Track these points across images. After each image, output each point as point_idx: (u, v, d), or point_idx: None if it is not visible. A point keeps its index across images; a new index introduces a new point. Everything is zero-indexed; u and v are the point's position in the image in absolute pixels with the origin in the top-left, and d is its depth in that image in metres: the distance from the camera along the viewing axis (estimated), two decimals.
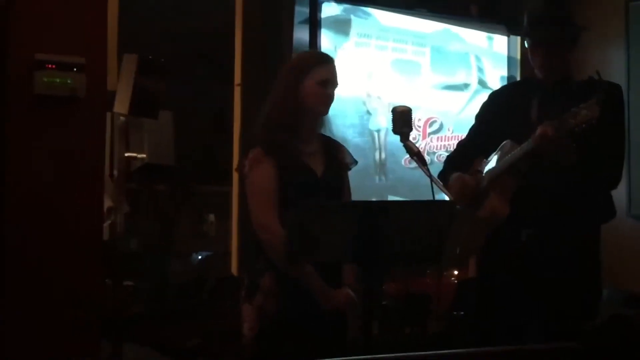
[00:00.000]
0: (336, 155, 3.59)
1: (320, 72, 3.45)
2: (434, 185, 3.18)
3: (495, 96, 3.93)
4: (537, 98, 3.60)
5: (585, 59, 6.19)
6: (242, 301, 3.47)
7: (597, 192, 3.57)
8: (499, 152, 3.64)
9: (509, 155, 3.51)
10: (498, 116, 3.74)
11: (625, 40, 6.02)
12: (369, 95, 5.82)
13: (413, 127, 3.35)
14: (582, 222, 3.52)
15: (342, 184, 3.59)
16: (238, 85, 5.55)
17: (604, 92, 3.25)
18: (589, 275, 3.57)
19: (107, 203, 4.17)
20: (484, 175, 3.65)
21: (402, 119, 3.28)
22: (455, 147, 4.07)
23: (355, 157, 3.66)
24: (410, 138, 3.29)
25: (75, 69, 3.93)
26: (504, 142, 3.58)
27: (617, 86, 3.57)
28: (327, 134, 3.62)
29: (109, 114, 4.20)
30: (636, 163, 5.91)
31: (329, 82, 3.46)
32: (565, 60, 3.63)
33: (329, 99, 3.48)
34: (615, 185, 3.58)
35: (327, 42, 5.59)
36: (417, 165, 3.26)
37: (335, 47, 5.59)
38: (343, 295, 3.44)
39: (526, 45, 3.69)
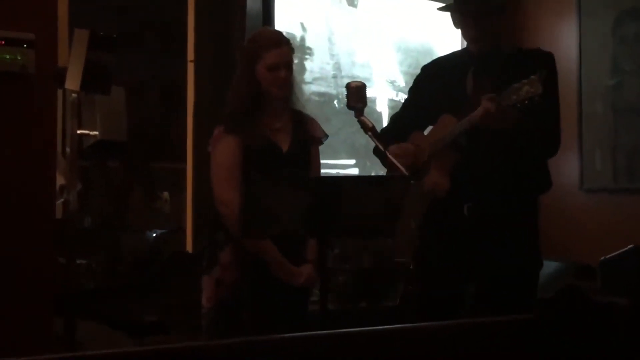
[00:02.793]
0: (305, 130, 3.62)
1: (270, 57, 3.50)
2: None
3: (428, 69, 3.89)
4: (471, 70, 3.61)
5: (537, 30, 6.25)
6: (203, 272, 3.54)
7: (536, 162, 3.60)
8: (437, 126, 3.65)
9: (449, 130, 3.52)
10: (433, 89, 3.74)
11: (577, 11, 6.05)
12: None
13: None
14: (520, 194, 3.55)
15: (309, 158, 3.63)
16: (191, 61, 5.51)
17: (546, 67, 3.27)
18: (528, 246, 3.61)
19: (60, 181, 4.13)
20: (423, 149, 3.67)
21: (356, 95, 3.28)
22: (389, 120, 4.05)
23: None
24: None
25: (25, 45, 3.87)
26: (442, 116, 3.60)
27: (550, 55, 3.58)
28: (300, 107, 3.68)
29: (60, 91, 4.15)
30: (587, 137, 5.97)
31: (280, 65, 3.52)
32: (495, 31, 3.63)
33: (282, 82, 3.53)
34: (553, 153, 3.61)
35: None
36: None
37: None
38: (304, 271, 3.47)
39: (456, 22, 3.69)
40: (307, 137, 3.63)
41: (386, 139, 3.47)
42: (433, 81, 3.78)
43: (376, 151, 3.66)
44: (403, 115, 3.90)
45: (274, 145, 3.51)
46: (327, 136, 3.71)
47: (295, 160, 3.54)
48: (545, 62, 3.42)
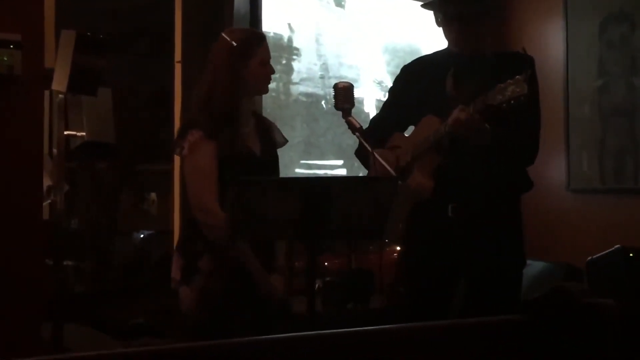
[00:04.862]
0: (269, 134, 3.59)
1: (263, 53, 3.47)
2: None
3: (409, 69, 3.87)
4: (453, 72, 3.60)
5: (524, 32, 6.26)
6: (179, 283, 3.42)
7: (515, 166, 3.61)
8: (420, 127, 3.65)
9: (433, 131, 3.52)
10: (415, 90, 3.72)
11: (564, 14, 6.07)
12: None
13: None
14: (503, 194, 3.56)
15: (277, 163, 3.60)
16: (178, 62, 5.50)
17: (531, 68, 3.27)
18: (512, 245, 3.62)
19: (47, 182, 4.12)
20: (405, 150, 3.66)
21: (344, 95, 3.28)
22: (370, 122, 4.01)
23: None
24: None
25: (11, 46, 3.86)
26: (426, 117, 3.59)
27: (530, 58, 3.55)
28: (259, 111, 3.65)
29: (47, 92, 4.14)
30: (574, 138, 5.99)
31: (268, 60, 3.50)
32: (480, 34, 3.62)
33: (270, 78, 3.51)
34: (529, 163, 3.62)
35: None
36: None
37: None
38: (275, 281, 3.45)
39: (438, 20, 3.67)
40: (272, 141, 3.59)
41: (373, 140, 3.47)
42: (415, 82, 3.75)
43: (358, 152, 3.67)
44: (384, 117, 3.89)
45: (250, 150, 3.45)
46: (287, 141, 3.67)
47: (268, 165, 3.51)
48: (526, 65, 3.42)
